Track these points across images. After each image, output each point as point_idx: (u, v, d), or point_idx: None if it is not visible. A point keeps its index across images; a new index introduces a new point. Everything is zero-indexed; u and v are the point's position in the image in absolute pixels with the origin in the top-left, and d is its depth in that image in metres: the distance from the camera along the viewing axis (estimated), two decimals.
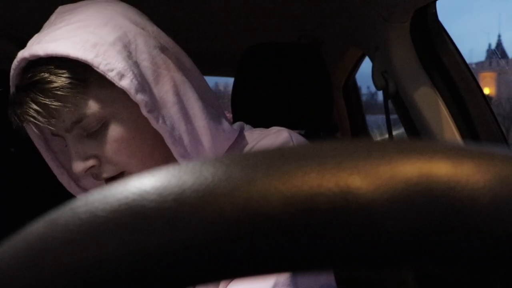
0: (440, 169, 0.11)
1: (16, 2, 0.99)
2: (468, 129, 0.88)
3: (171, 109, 0.48)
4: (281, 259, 0.11)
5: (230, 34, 1.33)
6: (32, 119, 0.47)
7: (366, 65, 1.18)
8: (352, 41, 1.20)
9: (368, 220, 0.11)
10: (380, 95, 1.04)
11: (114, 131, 0.49)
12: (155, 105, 0.47)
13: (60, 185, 0.59)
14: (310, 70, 0.99)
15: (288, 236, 0.11)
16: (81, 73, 0.47)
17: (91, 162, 0.49)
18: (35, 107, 0.46)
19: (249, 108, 0.99)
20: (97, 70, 0.45)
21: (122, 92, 0.46)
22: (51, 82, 0.46)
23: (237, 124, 0.60)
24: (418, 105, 0.90)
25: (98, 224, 0.12)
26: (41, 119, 0.46)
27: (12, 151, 1.38)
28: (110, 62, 0.45)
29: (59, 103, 0.46)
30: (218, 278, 0.12)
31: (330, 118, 1.01)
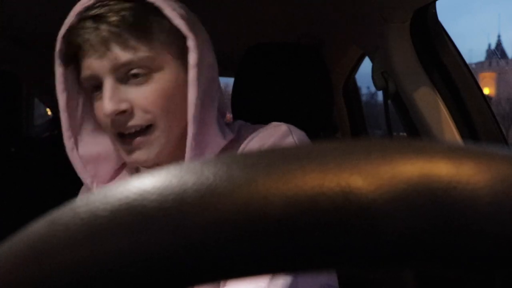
0: (441, 169, 0.11)
1: (16, 3, 0.99)
2: (468, 129, 0.88)
3: (207, 77, 0.52)
4: (282, 259, 0.11)
5: (230, 34, 1.33)
6: (90, 48, 0.48)
7: (366, 65, 1.18)
8: (352, 41, 1.20)
9: (369, 220, 0.11)
10: (380, 95, 1.04)
11: (158, 82, 0.50)
12: (201, 63, 0.51)
13: (60, 184, 0.60)
14: (310, 70, 0.99)
15: (289, 236, 0.11)
16: (146, 14, 0.50)
17: (124, 106, 0.50)
18: (96, 38, 0.48)
19: (249, 108, 0.99)
20: (164, 12, 0.49)
21: (175, 47, 0.51)
22: (118, 17, 0.48)
23: (237, 122, 0.61)
24: (418, 105, 0.90)
25: (99, 224, 0.12)
26: (99, 49, 0.48)
27: (12, 151, 1.38)
28: (175, 9, 0.50)
29: (121, 39, 0.48)
30: (218, 278, 0.12)
31: (330, 118, 1.01)
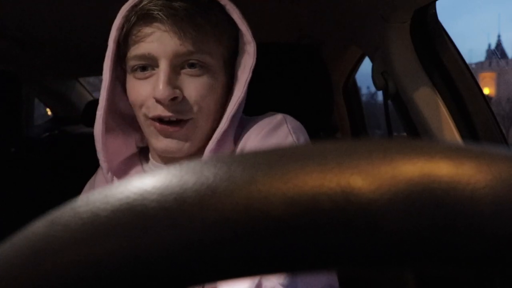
0: (441, 169, 0.11)
1: (16, 3, 0.99)
2: (468, 129, 0.88)
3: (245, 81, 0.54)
4: (283, 259, 0.11)
5: None
6: (157, 27, 0.48)
7: (366, 65, 1.18)
8: (352, 41, 1.20)
9: (369, 220, 0.11)
10: (380, 95, 1.04)
11: (210, 77, 0.52)
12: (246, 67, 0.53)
13: (60, 184, 0.59)
14: (310, 70, 0.99)
15: (290, 236, 0.11)
16: (215, 10, 0.52)
17: (178, 93, 0.50)
18: (169, 17, 0.48)
19: (249, 108, 0.98)
20: (232, 15, 0.52)
21: (229, 48, 0.54)
22: (192, 4, 0.49)
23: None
24: (418, 105, 0.90)
25: (99, 223, 0.11)
26: (169, 29, 0.48)
27: (12, 152, 1.38)
28: (239, 14, 0.53)
29: (194, 25, 0.49)
30: (219, 278, 0.12)
31: (330, 118, 1.01)
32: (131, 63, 0.52)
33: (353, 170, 0.11)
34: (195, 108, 0.51)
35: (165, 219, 0.11)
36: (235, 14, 0.52)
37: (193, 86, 0.51)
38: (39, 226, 0.12)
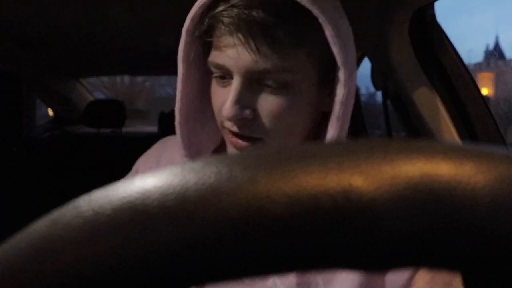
0: (441, 169, 0.11)
1: (17, 3, 0.99)
2: (467, 129, 0.88)
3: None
4: (284, 258, 0.11)
5: None
6: (230, 37, 0.43)
7: (366, 65, 1.18)
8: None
9: (370, 219, 0.11)
10: (379, 95, 1.04)
11: (290, 97, 0.45)
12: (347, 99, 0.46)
13: (61, 184, 0.59)
14: None
15: (291, 235, 0.11)
16: (301, 21, 0.43)
17: (247, 113, 0.45)
18: (242, 27, 0.42)
19: None
20: (324, 25, 0.42)
21: (318, 63, 0.46)
22: (273, 13, 0.42)
23: None
24: (417, 105, 0.90)
25: (101, 222, 0.12)
26: (241, 43, 0.42)
27: (14, 151, 1.38)
28: (337, 25, 0.44)
29: (271, 40, 0.42)
30: (220, 277, 0.12)
31: None
32: (211, 69, 0.47)
33: (354, 170, 0.11)
34: (267, 129, 0.45)
35: (166, 218, 0.11)
36: (328, 31, 0.43)
37: (267, 106, 0.45)
38: (41, 225, 0.12)
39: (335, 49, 0.44)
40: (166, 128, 2.20)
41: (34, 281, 0.12)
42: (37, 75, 1.94)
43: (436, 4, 0.85)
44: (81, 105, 2.25)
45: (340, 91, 0.46)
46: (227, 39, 0.43)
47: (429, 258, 0.11)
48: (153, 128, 2.39)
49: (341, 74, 0.45)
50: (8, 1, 0.97)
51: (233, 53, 0.43)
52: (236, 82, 0.44)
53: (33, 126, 2.16)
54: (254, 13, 0.42)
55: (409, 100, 0.91)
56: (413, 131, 0.97)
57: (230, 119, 0.45)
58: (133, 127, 2.59)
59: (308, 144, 0.12)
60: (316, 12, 0.43)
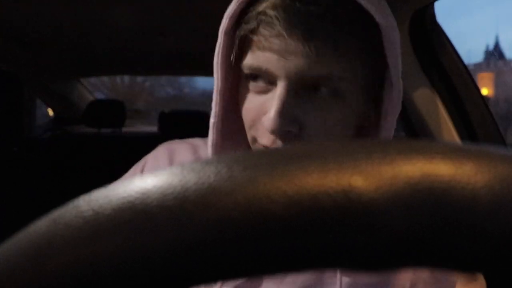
0: (441, 169, 0.11)
1: (17, 3, 0.99)
2: (466, 129, 0.88)
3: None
4: (284, 258, 0.11)
5: None
6: (277, 35, 0.37)
7: None
8: None
9: (369, 219, 0.11)
10: None
11: (342, 109, 0.39)
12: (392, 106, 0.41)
13: (61, 184, 0.58)
14: None
15: (291, 235, 0.11)
16: (365, 27, 0.38)
17: (293, 127, 0.38)
18: (296, 25, 0.36)
19: None
20: (383, 29, 0.37)
21: (371, 73, 0.40)
22: (331, 11, 0.36)
23: None
24: (417, 105, 0.90)
25: (101, 222, 0.12)
26: (292, 43, 0.36)
27: (14, 151, 1.38)
28: (393, 36, 0.39)
29: (329, 41, 0.36)
30: (220, 277, 0.12)
31: None
32: (246, 71, 0.41)
33: (354, 170, 0.11)
34: None
35: (166, 218, 0.11)
36: (386, 38, 0.38)
37: (316, 120, 0.39)
38: (41, 225, 0.12)
39: (392, 61, 0.40)
40: (166, 128, 2.20)
41: (34, 281, 0.12)
42: (37, 75, 1.95)
43: (436, 4, 0.85)
44: (82, 105, 2.25)
45: (392, 111, 0.41)
46: (275, 41, 0.37)
47: (429, 258, 0.11)
48: (153, 128, 2.39)
49: (394, 91, 0.40)
50: (8, 1, 0.97)
51: (280, 56, 0.37)
52: (281, 89, 0.38)
53: (33, 126, 2.16)
54: (310, 9, 0.36)
55: (409, 100, 0.91)
56: (413, 131, 0.97)
57: (273, 131, 0.38)
58: (133, 127, 2.59)
59: (308, 144, 0.12)
60: (378, 17, 0.38)
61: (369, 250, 0.11)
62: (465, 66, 0.90)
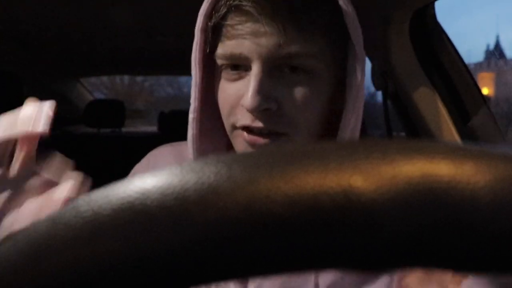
0: (441, 169, 0.11)
1: (17, 3, 0.99)
2: (467, 129, 0.88)
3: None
4: (284, 258, 0.11)
5: None
6: (251, 20, 0.39)
7: (366, 65, 1.18)
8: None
9: (370, 219, 0.11)
10: (379, 95, 1.04)
11: (315, 86, 0.42)
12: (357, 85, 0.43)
13: None
14: None
15: (291, 235, 0.11)
16: (327, 7, 0.41)
17: (272, 105, 0.41)
18: (266, 8, 0.38)
19: None
20: (343, 12, 0.41)
21: (337, 51, 0.43)
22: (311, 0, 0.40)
23: None
24: (417, 105, 0.90)
25: (101, 222, 0.12)
26: (266, 24, 0.39)
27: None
28: (354, 18, 0.42)
29: (296, 20, 0.39)
30: (220, 277, 0.12)
31: None
32: (220, 61, 0.43)
33: (354, 170, 0.11)
34: (292, 122, 0.42)
35: (166, 218, 0.11)
36: (349, 17, 0.42)
37: (292, 96, 0.41)
38: (41, 225, 0.12)
39: (356, 39, 0.42)
40: (166, 128, 2.20)
41: (34, 281, 0.12)
42: (37, 75, 1.95)
43: (436, 3, 0.85)
44: (81, 105, 2.25)
45: (355, 83, 0.43)
46: (245, 25, 0.40)
47: (429, 258, 0.11)
48: (153, 128, 2.39)
49: (359, 63, 0.43)
50: (8, 1, 0.97)
51: (252, 39, 0.40)
52: (256, 70, 0.40)
53: None
54: None
55: (409, 100, 0.91)
56: (413, 131, 0.97)
57: (253, 110, 0.40)
58: (133, 127, 2.59)
59: (308, 144, 0.12)
60: (340, 1, 0.41)
61: (369, 250, 0.11)
62: (465, 66, 0.90)
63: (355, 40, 0.43)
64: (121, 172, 0.61)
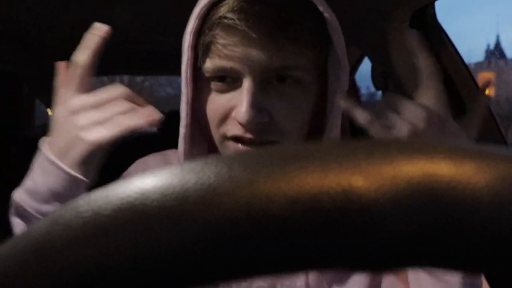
0: (441, 169, 0.11)
1: (17, 3, 0.99)
2: None
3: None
4: (284, 258, 0.11)
5: None
6: (242, 35, 0.40)
7: (366, 65, 1.18)
8: (351, 41, 1.20)
9: (370, 219, 0.11)
10: (379, 95, 1.04)
11: (303, 97, 0.44)
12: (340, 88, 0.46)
13: None
14: None
15: (291, 235, 0.11)
16: (316, 20, 0.43)
17: (265, 117, 0.42)
18: (257, 24, 0.39)
19: None
20: (327, 22, 0.42)
21: (320, 60, 0.45)
22: (297, 12, 0.41)
23: None
24: None
25: (101, 223, 0.12)
26: (257, 39, 0.39)
27: (13, 151, 1.38)
28: (336, 26, 0.44)
29: (287, 33, 0.40)
30: (220, 278, 0.12)
31: None
32: (208, 74, 0.44)
33: (354, 170, 0.11)
34: (282, 130, 0.43)
35: (166, 218, 0.11)
36: (331, 26, 0.43)
37: (282, 106, 0.42)
38: (41, 225, 0.12)
39: (339, 47, 0.44)
40: (166, 128, 2.19)
41: (33, 281, 0.12)
42: (37, 75, 1.95)
43: (436, 3, 0.86)
44: None
45: (338, 89, 0.46)
46: (235, 39, 0.40)
47: (430, 258, 0.11)
48: (153, 128, 2.39)
49: (343, 72, 0.45)
50: (8, 1, 0.97)
51: (243, 52, 0.40)
52: (248, 84, 0.41)
53: (32, 126, 2.16)
54: (264, 9, 0.40)
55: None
56: None
57: (247, 124, 0.41)
58: None
59: (308, 144, 0.12)
60: (321, 8, 0.43)
61: (370, 250, 0.11)
62: (465, 66, 0.90)
63: (338, 47, 0.44)
64: (121, 172, 0.61)
